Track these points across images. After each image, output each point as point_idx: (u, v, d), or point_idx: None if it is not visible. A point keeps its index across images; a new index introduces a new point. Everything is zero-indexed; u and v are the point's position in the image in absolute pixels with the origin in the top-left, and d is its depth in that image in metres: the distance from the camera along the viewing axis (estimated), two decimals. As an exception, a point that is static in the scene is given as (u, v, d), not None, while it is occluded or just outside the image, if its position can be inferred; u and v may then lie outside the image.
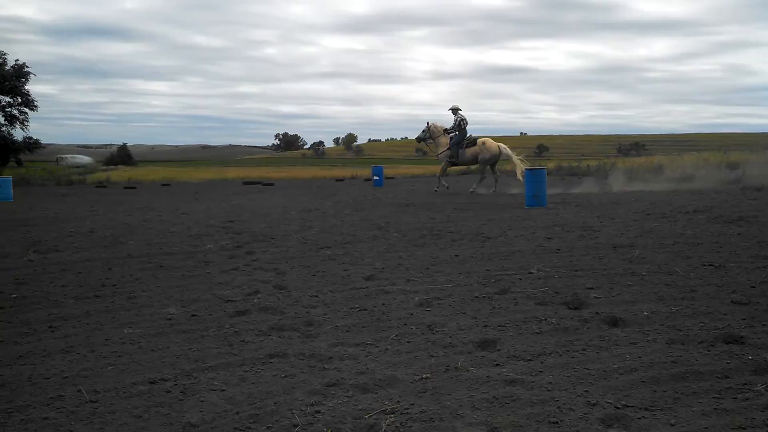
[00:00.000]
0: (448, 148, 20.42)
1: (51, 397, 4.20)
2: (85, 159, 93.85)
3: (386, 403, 3.96)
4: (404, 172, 48.87)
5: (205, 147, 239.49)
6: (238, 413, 3.89)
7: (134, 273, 8.24)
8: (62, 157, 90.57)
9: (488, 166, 20.55)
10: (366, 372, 4.52)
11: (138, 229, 12.62)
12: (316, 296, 6.87)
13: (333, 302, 6.60)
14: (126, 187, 31.98)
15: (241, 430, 3.66)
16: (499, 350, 4.91)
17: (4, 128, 47.96)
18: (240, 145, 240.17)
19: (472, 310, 6.10)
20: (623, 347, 4.87)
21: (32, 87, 50.67)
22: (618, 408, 3.75)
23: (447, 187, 20.91)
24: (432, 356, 4.82)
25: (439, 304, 6.37)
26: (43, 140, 52.72)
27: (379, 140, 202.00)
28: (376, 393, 4.14)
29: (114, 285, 7.56)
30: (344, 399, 4.06)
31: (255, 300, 6.73)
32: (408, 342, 5.20)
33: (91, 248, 10.28)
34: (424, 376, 4.39)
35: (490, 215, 13.96)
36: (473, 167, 23.03)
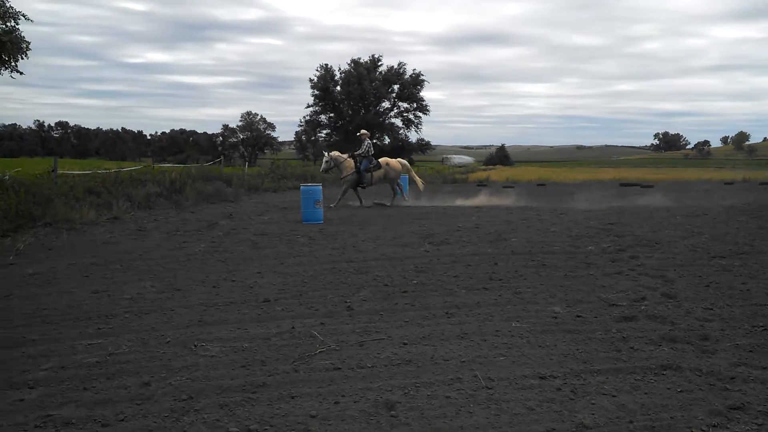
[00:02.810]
0: (353, 172, 19.60)
1: (451, 378, 4.56)
2: (466, 159, 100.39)
3: (806, 438, 3.49)
4: (811, 175, 42.70)
5: (580, 147, 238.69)
6: (631, 422, 3.79)
7: (518, 269, 8.54)
8: (447, 157, 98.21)
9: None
10: (777, 399, 4.04)
11: (519, 227, 13.06)
12: (711, 309, 6.36)
13: (731, 317, 6.04)
14: (504, 186, 33.32)
15: (635, 439, 3.55)
16: None
17: (401, 131, 53.77)
18: (616, 146, 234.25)
19: None
20: None
21: (425, 93, 55.69)
22: None
23: (333, 206, 19.00)
24: None
25: None
26: (432, 142, 57.61)
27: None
28: (792, 425, 3.68)
29: (500, 279, 7.92)
30: (752, 426, 3.69)
31: (642, 307, 6.48)
32: (830, 372, 4.52)
33: (477, 243, 10.94)
34: None
35: None
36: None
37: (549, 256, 9.55)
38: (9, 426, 3.82)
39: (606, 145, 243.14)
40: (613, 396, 4.20)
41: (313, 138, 56.98)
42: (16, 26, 15.96)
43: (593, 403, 4.07)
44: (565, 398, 4.18)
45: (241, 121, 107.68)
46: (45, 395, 4.29)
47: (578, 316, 6.18)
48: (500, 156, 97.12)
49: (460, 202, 21.04)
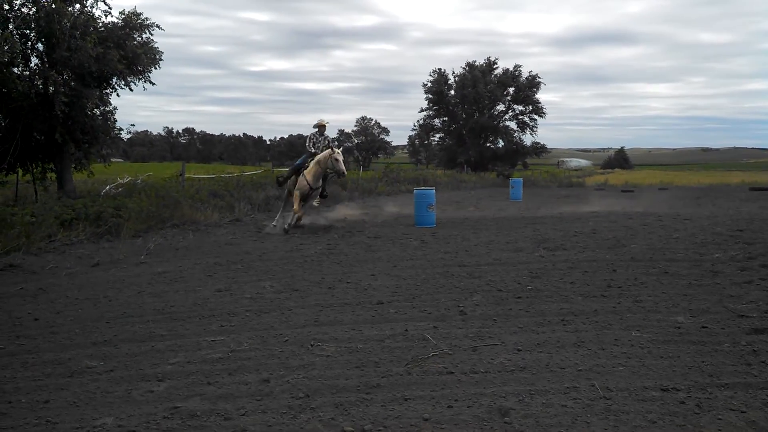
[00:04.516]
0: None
1: (567, 387, 4.45)
2: (583, 162, 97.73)
3: None
4: None
5: (705, 150, 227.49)
6: (763, 440, 3.57)
7: (638, 276, 8.22)
8: (563, 161, 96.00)
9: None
10: None
11: (639, 233, 12.57)
12: None
13: None
14: (623, 191, 32.23)
15: (768, 459, 3.34)
16: None
17: (516, 134, 53.02)
18: (746, 148, 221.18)
19: None
20: None
21: (541, 96, 54.77)
22: None
23: (287, 227, 13.43)
24: None
25: None
26: (547, 145, 56.44)
27: None
28: None
29: (619, 287, 7.66)
30: None
31: (775, 318, 6.09)
32: None
33: (595, 249, 10.62)
34: None
35: None
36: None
37: (672, 263, 9.13)
38: (141, 416, 4.06)
39: (734, 148, 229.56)
40: (742, 412, 3.97)
41: (426, 142, 57.23)
42: (151, 37, 16.89)
43: (720, 419, 3.87)
44: (689, 412, 3.99)
45: (356, 125, 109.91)
46: (172, 388, 4.53)
47: (704, 327, 5.88)
48: (619, 159, 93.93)
49: (575, 206, 20.48)
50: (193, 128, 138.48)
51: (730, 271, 8.51)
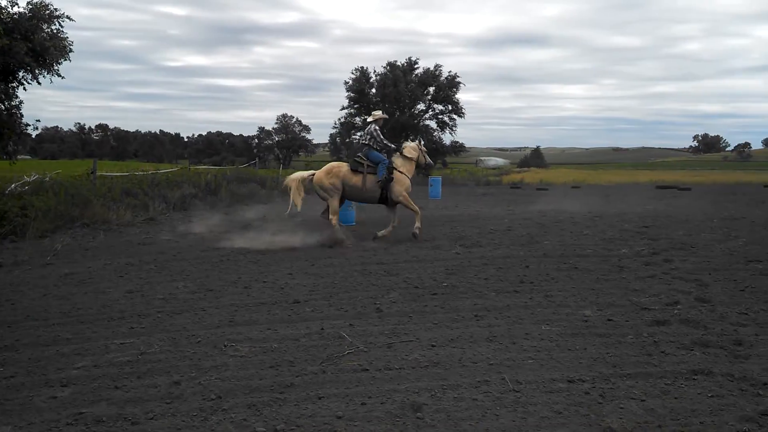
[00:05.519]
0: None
1: (478, 381, 4.55)
2: (500, 161, 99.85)
3: (841, 446, 3.40)
4: None
5: (616, 149, 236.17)
6: (660, 426, 3.74)
7: (550, 272, 8.47)
8: (481, 160, 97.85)
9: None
10: (812, 406, 3.95)
11: (552, 230, 12.94)
12: (746, 314, 6.25)
13: (767, 322, 5.92)
14: (538, 189, 33.09)
15: (664, 445, 3.50)
16: None
17: (435, 133, 53.56)
18: (653, 148, 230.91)
19: None
20: None
21: (461, 95, 55.40)
22: None
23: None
24: None
25: None
26: (466, 144, 57.32)
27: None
28: (827, 433, 3.59)
29: (531, 282, 7.86)
30: (785, 433, 3.60)
31: (675, 311, 6.38)
32: None
33: (509, 245, 10.87)
34: None
35: None
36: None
37: (581, 259, 9.45)
38: (42, 423, 3.90)
39: (643, 147, 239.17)
40: (642, 400, 4.15)
41: (347, 140, 57.05)
42: (61, 29, 16.16)
43: (621, 408, 4.03)
44: (593, 402, 4.14)
45: (276, 123, 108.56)
46: (77, 393, 4.38)
47: (609, 320, 6.11)
48: (535, 158, 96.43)
49: (491, 205, 20.88)
50: (106, 124, 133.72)
51: (635, 266, 8.87)
